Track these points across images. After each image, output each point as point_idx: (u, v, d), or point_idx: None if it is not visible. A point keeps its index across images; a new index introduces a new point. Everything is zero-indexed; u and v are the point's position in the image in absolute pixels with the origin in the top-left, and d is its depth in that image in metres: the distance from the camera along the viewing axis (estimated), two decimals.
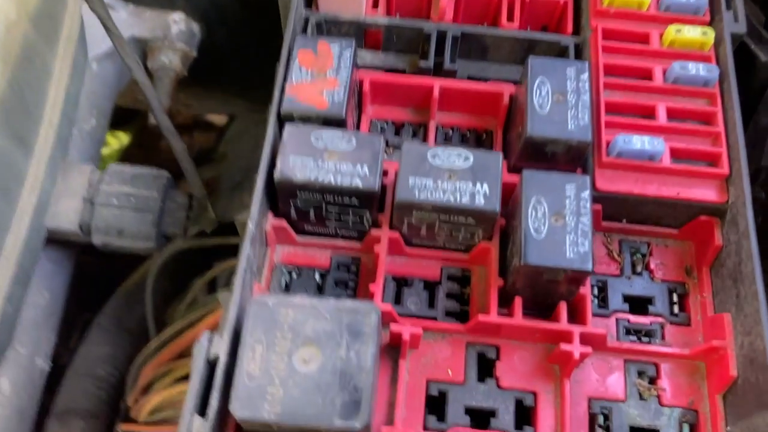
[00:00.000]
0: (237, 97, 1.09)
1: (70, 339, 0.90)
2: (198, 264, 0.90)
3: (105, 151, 1.35)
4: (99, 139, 0.78)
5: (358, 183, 0.46)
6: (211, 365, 0.43)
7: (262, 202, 0.48)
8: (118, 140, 1.40)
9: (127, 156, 1.36)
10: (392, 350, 0.48)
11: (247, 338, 0.41)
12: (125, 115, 1.30)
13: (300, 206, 0.48)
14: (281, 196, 0.48)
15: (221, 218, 0.80)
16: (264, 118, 0.51)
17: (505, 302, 0.49)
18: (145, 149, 1.38)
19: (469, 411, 0.47)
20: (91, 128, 0.76)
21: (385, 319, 0.47)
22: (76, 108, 0.72)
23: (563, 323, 0.48)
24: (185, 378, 0.60)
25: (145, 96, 0.72)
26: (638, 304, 0.52)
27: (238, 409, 0.40)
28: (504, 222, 0.50)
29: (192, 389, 0.42)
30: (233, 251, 0.82)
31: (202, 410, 0.41)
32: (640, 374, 0.49)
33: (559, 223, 0.46)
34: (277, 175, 0.47)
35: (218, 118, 1.40)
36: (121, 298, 0.80)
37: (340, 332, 0.42)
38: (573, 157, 0.50)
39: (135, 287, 0.81)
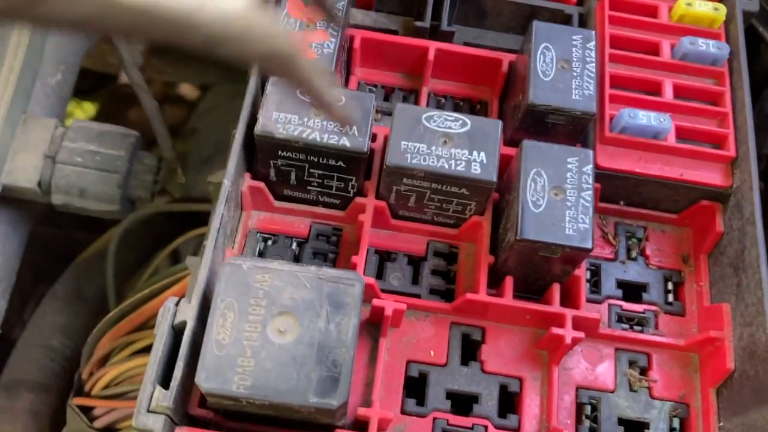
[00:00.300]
0: (213, 64, 1.05)
1: (24, 312, 0.86)
2: (164, 234, 0.86)
3: (69, 122, 1.31)
4: (64, 96, 0.73)
5: (345, 143, 0.43)
6: (177, 332, 0.39)
7: (239, 159, 0.44)
8: (84, 111, 1.35)
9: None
10: (372, 327, 0.45)
11: (218, 304, 0.38)
12: (92, 84, 1.25)
13: (281, 167, 0.45)
14: (261, 155, 0.45)
15: (188, 195, 0.76)
16: (241, 90, 0.47)
17: (494, 282, 0.46)
18: (112, 119, 1.33)
19: (451, 395, 0.44)
20: (56, 83, 0.71)
21: (366, 294, 0.43)
22: (40, 59, 0.67)
23: (556, 306, 0.45)
24: (145, 351, 0.56)
25: (117, 49, 0.67)
26: (632, 291, 0.49)
27: (204, 381, 0.36)
28: (497, 196, 0.47)
29: (154, 357, 0.38)
30: (202, 221, 0.78)
31: (164, 381, 0.38)
32: (631, 364, 0.47)
33: (559, 197, 0.43)
34: (257, 130, 0.43)
35: (189, 92, 1.35)
36: (80, 266, 0.75)
37: (320, 302, 0.38)
38: (574, 130, 0.47)
39: (95, 256, 0.76)
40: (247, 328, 0.37)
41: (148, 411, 0.37)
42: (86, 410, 0.57)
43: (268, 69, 0.33)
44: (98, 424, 0.55)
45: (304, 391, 0.36)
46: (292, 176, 0.46)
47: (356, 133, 0.43)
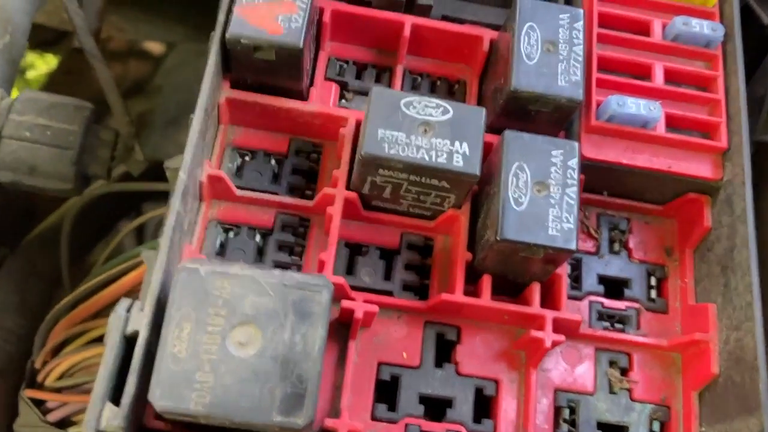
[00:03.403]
0: (177, 22, 1.00)
1: None
2: (124, 205, 0.82)
3: (30, 74, 1.24)
4: (14, 59, 0.68)
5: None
6: (129, 341, 0.36)
7: (197, 149, 0.41)
8: (46, 63, 1.28)
9: (53, 82, 1.24)
10: (341, 327, 0.42)
11: (172, 313, 0.35)
12: (55, 36, 1.19)
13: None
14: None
15: (152, 156, 0.72)
16: (206, 48, 0.43)
17: (471, 278, 0.44)
18: (73, 76, 1.27)
19: (424, 399, 0.42)
20: (4, 45, 0.66)
21: (336, 294, 0.40)
22: None
23: (535, 306, 0.42)
24: (101, 339, 0.53)
25: (69, 13, 0.62)
26: (614, 287, 0.47)
27: (159, 399, 0.33)
28: (476, 188, 0.44)
29: (104, 371, 0.35)
30: (165, 195, 0.74)
31: (115, 397, 0.35)
32: (612, 364, 0.45)
33: (542, 194, 0.40)
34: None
35: (156, 47, 1.29)
36: (35, 241, 0.71)
37: (285, 311, 0.35)
38: (558, 118, 0.44)
39: (52, 229, 0.72)
40: (206, 340, 0.34)
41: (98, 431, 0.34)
42: (39, 403, 0.54)
43: None
44: (51, 417, 0.53)
45: (267, 410, 0.34)
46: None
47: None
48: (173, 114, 1.04)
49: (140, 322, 0.36)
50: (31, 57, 1.27)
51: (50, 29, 1.02)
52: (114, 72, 0.73)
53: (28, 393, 0.54)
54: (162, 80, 1.14)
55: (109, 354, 0.36)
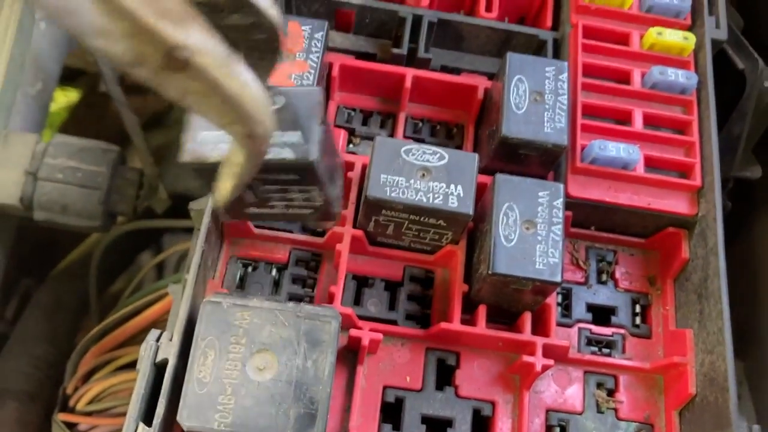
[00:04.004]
0: None
1: (6, 307, 0.86)
2: (146, 239, 0.87)
3: (52, 107, 1.29)
4: (44, 105, 0.73)
5: (288, 155, 0.37)
6: (159, 369, 0.41)
7: None
8: (67, 97, 1.33)
9: (75, 116, 1.29)
10: (349, 353, 0.47)
11: (198, 342, 0.39)
12: (76, 71, 1.24)
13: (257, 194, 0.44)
14: (201, 182, 0.43)
15: (171, 189, 0.76)
16: None
17: (469, 308, 0.48)
18: (94, 109, 1.32)
19: (426, 420, 0.46)
20: (36, 92, 0.71)
21: (345, 323, 0.45)
22: (21, 71, 0.67)
23: (527, 334, 0.46)
24: (128, 366, 0.57)
25: (97, 61, 0.68)
26: (601, 314, 0.51)
27: (186, 419, 0.37)
28: (472, 225, 0.48)
29: (137, 395, 0.39)
30: (184, 229, 0.79)
31: (147, 418, 0.39)
32: (599, 385, 0.49)
33: (530, 231, 0.44)
34: (183, 158, 0.38)
35: None
36: (63, 274, 0.76)
37: (298, 339, 0.39)
38: (546, 161, 0.48)
39: (78, 262, 0.77)
40: (227, 366, 0.39)
41: None
42: (71, 425, 0.58)
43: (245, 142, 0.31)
44: None
45: (283, 429, 0.38)
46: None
47: (300, 140, 0.37)
48: None
49: (169, 351, 0.40)
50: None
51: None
52: (132, 105, 0.77)
53: (61, 417, 0.58)
54: (180, 114, 1.18)
55: (141, 379, 0.40)
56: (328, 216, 0.42)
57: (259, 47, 0.34)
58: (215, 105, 0.28)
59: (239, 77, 0.28)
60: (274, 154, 0.36)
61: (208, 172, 0.36)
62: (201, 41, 0.26)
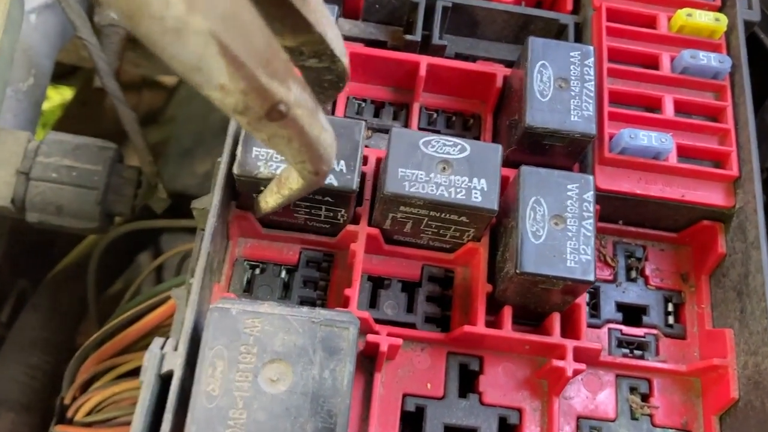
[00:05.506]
0: None
1: (2, 309, 0.83)
2: (144, 239, 0.84)
3: (46, 106, 1.26)
4: (37, 101, 0.70)
5: (332, 181, 0.41)
6: (164, 380, 0.38)
7: (224, 191, 0.42)
8: (61, 95, 1.30)
9: (69, 114, 1.27)
10: (366, 360, 0.43)
11: (206, 352, 0.36)
12: (69, 68, 1.21)
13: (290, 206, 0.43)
14: (242, 191, 0.43)
15: (168, 187, 0.73)
16: None
17: (492, 309, 0.45)
18: (90, 106, 1.29)
19: (449, 429, 0.43)
20: (28, 88, 0.68)
21: (361, 328, 0.41)
22: (10, 66, 0.64)
23: (556, 336, 0.43)
24: (129, 375, 0.54)
25: (91, 55, 0.64)
26: (632, 314, 0.48)
27: None
28: (494, 221, 0.45)
29: (141, 409, 0.36)
30: (183, 228, 0.76)
31: None
32: (632, 390, 0.46)
33: (559, 226, 0.41)
34: (236, 170, 0.41)
35: (169, 78, 1.31)
36: (60, 276, 0.72)
37: (314, 348, 0.36)
38: (573, 151, 0.45)
39: (75, 265, 0.74)
40: (238, 378, 0.36)
41: None
42: None
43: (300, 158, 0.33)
44: None
45: None
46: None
47: (344, 169, 0.41)
48: (187, 144, 1.05)
49: (174, 361, 0.37)
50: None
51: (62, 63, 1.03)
52: (128, 103, 0.74)
53: (59, 429, 0.55)
54: (175, 111, 1.16)
55: (145, 392, 0.37)
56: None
57: (325, 85, 0.38)
58: (295, 148, 0.31)
59: (319, 125, 0.31)
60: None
61: (252, 184, 0.41)
62: (298, 96, 0.29)
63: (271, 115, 0.28)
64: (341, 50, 0.36)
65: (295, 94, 0.29)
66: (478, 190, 0.41)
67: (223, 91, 0.26)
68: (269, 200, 0.39)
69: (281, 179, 0.37)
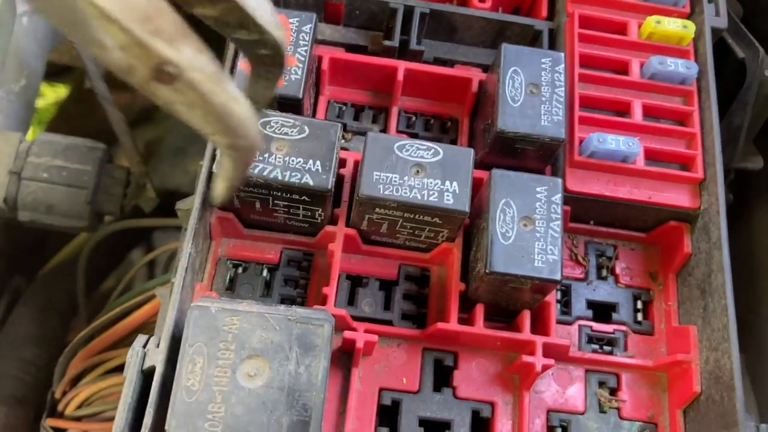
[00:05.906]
0: None
1: None
2: (135, 237, 0.85)
3: (40, 103, 1.27)
4: (29, 102, 0.71)
5: (308, 181, 0.42)
6: (146, 375, 0.39)
7: (205, 192, 0.44)
8: (56, 93, 1.31)
9: (64, 111, 1.28)
10: (343, 356, 0.45)
11: (186, 349, 0.38)
12: (64, 66, 1.22)
13: (243, 198, 0.44)
14: None
15: (160, 185, 0.75)
16: None
17: (466, 307, 0.46)
18: (83, 105, 1.30)
19: (424, 422, 0.45)
20: (20, 89, 0.70)
21: (338, 324, 0.43)
22: (2, 67, 0.65)
23: (526, 333, 0.45)
24: (118, 370, 0.56)
25: (82, 58, 0.66)
26: (602, 311, 0.50)
27: (175, 428, 0.36)
28: (468, 222, 0.47)
29: (124, 403, 0.38)
30: (174, 226, 0.77)
31: (134, 427, 0.37)
32: (601, 384, 0.47)
33: (528, 228, 0.43)
34: (216, 170, 0.42)
35: None
36: (52, 273, 0.74)
37: (290, 344, 0.38)
38: (544, 155, 0.47)
39: (67, 262, 0.75)
40: (217, 373, 0.37)
41: None
42: (60, 431, 0.57)
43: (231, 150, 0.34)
44: None
45: None
46: (257, 204, 0.45)
47: (320, 169, 0.42)
48: (180, 143, 1.06)
49: (156, 358, 0.39)
50: (41, 87, 1.30)
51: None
52: (121, 102, 0.75)
53: (49, 422, 0.57)
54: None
55: (127, 388, 0.38)
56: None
57: (265, 61, 0.37)
58: (199, 116, 0.30)
59: (225, 93, 0.30)
60: (297, 178, 0.42)
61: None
62: (192, 59, 0.28)
63: (160, 77, 0.28)
64: (267, 20, 0.34)
65: (187, 56, 0.28)
66: (450, 193, 0.43)
67: (102, 48, 0.26)
68: (215, 187, 0.37)
69: (220, 162, 0.37)
